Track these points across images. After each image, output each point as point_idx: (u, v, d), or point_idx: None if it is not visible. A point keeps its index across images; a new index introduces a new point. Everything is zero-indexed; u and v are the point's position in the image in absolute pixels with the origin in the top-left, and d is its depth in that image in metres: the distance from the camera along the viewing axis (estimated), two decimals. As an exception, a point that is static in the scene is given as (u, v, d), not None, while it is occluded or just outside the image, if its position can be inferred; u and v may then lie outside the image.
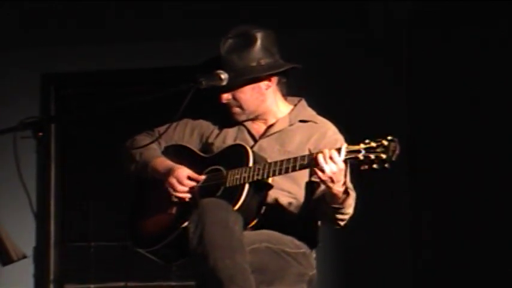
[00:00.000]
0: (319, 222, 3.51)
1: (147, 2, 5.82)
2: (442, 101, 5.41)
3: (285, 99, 3.58)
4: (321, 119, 3.55)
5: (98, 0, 5.89)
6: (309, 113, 3.58)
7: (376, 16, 5.46)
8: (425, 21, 5.43)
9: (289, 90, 3.59)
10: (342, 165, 3.12)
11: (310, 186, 3.42)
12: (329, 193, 3.22)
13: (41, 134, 2.93)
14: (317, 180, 3.27)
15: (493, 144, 5.35)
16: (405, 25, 5.44)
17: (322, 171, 3.12)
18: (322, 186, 3.28)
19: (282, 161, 3.26)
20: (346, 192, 3.24)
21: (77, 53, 5.91)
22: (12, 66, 6.00)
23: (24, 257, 3.27)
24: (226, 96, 3.49)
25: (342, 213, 3.31)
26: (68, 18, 5.94)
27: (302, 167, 3.22)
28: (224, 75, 3.34)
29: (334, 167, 3.11)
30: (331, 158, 3.11)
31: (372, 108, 5.40)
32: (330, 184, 3.16)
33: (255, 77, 3.46)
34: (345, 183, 3.20)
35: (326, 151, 3.14)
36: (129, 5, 5.86)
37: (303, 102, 3.60)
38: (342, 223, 3.35)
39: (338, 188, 3.19)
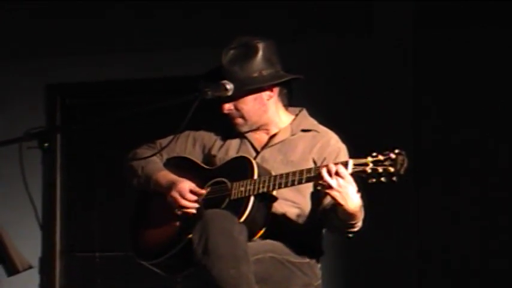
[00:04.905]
0: (323, 231, 3.50)
1: (151, 13, 5.83)
2: (449, 102, 5.38)
3: (286, 109, 3.56)
4: (322, 128, 3.54)
5: (103, 11, 5.91)
6: (311, 122, 3.56)
7: (380, 18, 5.45)
8: (431, 22, 5.41)
9: (292, 97, 3.58)
10: (350, 179, 3.10)
11: (316, 196, 3.40)
12: (342, 210, 3.16)
13: (46, 144, 2.93)
14: (323, 190, 3.24)
15: (502, 148, 5.31)
16: (411, 26, 5.42)
17: (330, 186, 3.10)
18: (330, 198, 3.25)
19: (287, 174, 3.25)
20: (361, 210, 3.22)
21: (82, 63, 5.93)
22: (17, 77, 6.02)
23: (30, 267, 3.28)
24: (228, 107, 3.47)
25: (354, 227, 3.28)
26: (73, 29, 5.95)
27: (308, 180, 3.21)
28: (230, 86, 3.34)
29: (342, 182, 3.09)
30: (337, 172, 3.10)
31: (375, 109, 5.38)
32: (342, 202, 3.12)
33: (257, 87, 3.45)
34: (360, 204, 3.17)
35: (332, 165, 3.12)
36: (134, 15, 5.87)
37: (304, 112, 3.59)
38: (351, 235, 3.33)
39: (353, 208, 3.14)
